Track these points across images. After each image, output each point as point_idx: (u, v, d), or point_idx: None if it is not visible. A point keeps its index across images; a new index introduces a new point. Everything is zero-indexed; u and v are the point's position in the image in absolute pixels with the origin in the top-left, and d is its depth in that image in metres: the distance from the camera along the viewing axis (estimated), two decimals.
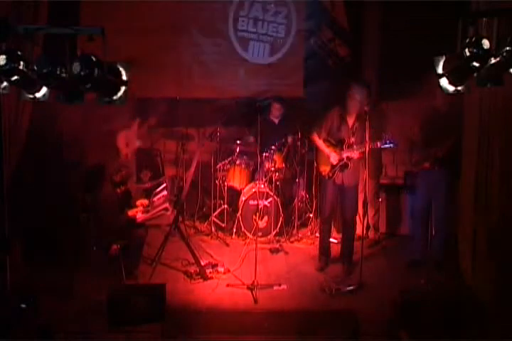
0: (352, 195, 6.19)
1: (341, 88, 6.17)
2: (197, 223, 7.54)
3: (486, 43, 3.47)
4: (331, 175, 6.12)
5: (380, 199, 7.04)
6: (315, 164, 6.34)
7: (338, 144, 6.08)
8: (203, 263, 6.16)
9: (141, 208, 6.03)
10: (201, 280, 5.99)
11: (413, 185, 6.52)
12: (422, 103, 6.52)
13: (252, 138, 7.37)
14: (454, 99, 5.74)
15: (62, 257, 5.84)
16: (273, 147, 7.11)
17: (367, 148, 5.76)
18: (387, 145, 5.83)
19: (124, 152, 7.39)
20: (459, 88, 3.80)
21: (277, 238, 7.06)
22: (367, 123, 5.74)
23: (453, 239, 6.52)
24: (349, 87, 5.96)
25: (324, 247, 6.39)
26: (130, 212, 5.98)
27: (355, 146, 5.98)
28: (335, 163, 6.07)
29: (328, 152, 6.11)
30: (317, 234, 6.75)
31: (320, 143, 6.19)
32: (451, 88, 3.81)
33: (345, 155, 6.03)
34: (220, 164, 7.42)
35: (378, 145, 5.83)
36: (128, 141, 7.43)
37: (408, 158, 6.58)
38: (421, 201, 6.31)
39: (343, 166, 6.06)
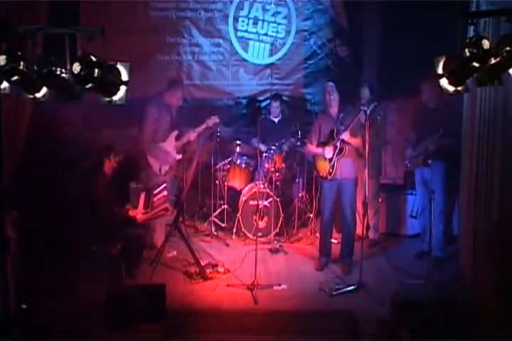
0: (350, 192, 6.20)
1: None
2: (197, 223, 7.54)
3: (486, 43, 3.46)
4: (331, 170, 6.11)
5: (380, 200, 7.04)
6: (315, 172, 6.37)
7: (330, 138, 6.13)
8: (202, 264, 6.15)
9: (142, 210, 6.03)
10: (201, 280, 5.98)
11: (413, 183, 6.51)
12: (413, 100, 6.60)
13: (256, 140, 7.37)
14: (443, 96, 5.73)
15: (62, 257, 5.83)
16: (273, 147, 7.11)
17: (367, 149, 5.78)
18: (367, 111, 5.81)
19: (157, 166, 6.62)
20: (459, 88, 3.80)
21: (277, 238, 7.05)
22: (367, 123, 5.77)
23: (453, 238, 6.54)
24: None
25: (324, 247, 6.38)
26: (131, 212, 5.99)
27: (346, 130, 5.99)
28: (330, 156, 6.09)
29: (321, 151, 6.16)
30: (317, 234, 6.75)
31: (313, 148, 6.28)
32: (451, 88, 3.81)
33: (339, 139, 6.03)
34: (220, 164, 7.42)
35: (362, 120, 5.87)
36: (162, 153, 6.66)
37: (404, 156, 6.60)
38: (421, 198, 6.29)
39: (339, 152, 6.07)
